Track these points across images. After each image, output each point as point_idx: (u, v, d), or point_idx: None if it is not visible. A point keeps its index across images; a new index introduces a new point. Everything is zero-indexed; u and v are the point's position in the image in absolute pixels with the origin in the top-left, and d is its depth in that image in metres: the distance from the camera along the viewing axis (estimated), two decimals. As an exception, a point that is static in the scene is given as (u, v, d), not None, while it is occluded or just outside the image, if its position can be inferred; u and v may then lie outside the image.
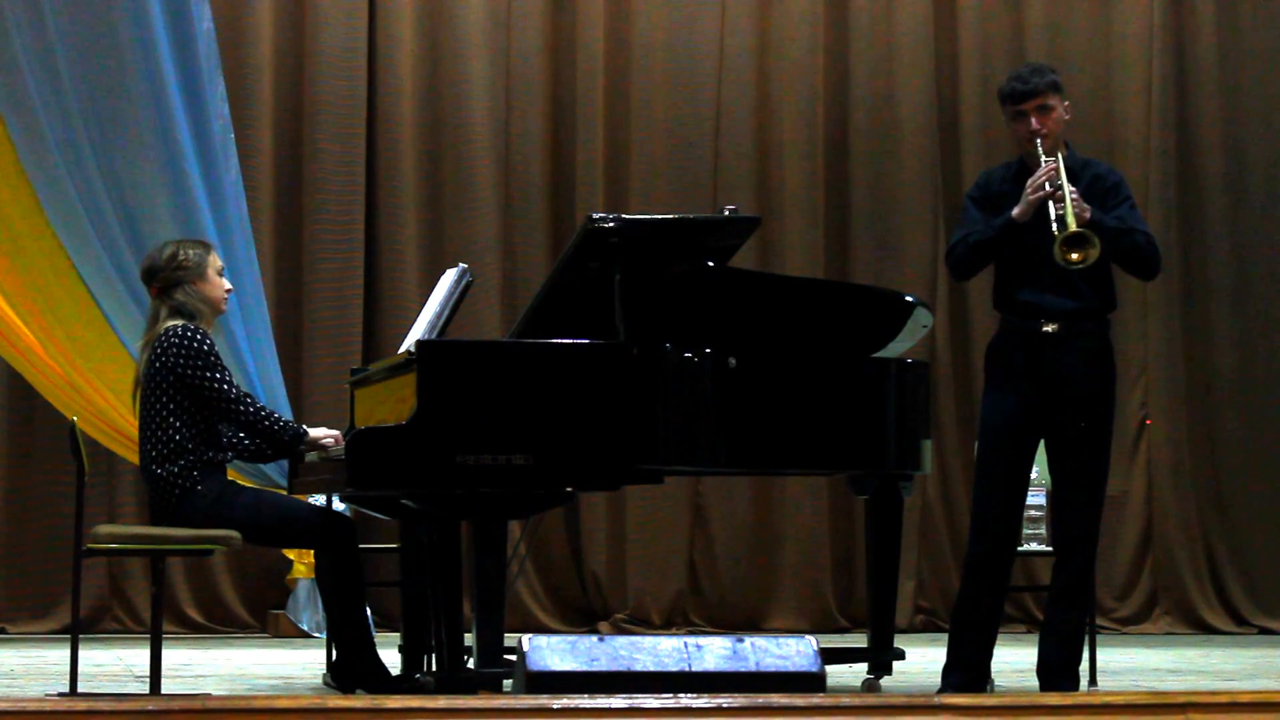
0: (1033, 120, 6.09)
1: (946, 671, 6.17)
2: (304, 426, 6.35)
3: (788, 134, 10.46)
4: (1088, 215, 5.95)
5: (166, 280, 6.38)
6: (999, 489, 6.12)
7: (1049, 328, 6.08)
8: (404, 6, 10.18)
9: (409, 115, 10.17)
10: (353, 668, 6.28)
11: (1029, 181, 6.05)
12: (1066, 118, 6.19)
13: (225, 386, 6.25)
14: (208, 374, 6.23)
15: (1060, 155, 6.06)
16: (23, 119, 8.58)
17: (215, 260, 6.47)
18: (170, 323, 6.32)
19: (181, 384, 6.24)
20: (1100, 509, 6.21)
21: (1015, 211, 6.04)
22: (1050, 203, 5.97)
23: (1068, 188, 5.96)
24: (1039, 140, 6.06)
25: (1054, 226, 5.93)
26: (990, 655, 6.20)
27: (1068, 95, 6.28)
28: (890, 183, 10.54)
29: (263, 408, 6.34)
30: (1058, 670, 6.08)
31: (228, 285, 6.52)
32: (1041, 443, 6.22)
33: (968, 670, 6.11)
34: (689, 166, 10.43)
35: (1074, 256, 5.90)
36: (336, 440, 6.32)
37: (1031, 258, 6.07)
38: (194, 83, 8.78)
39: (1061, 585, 6.15)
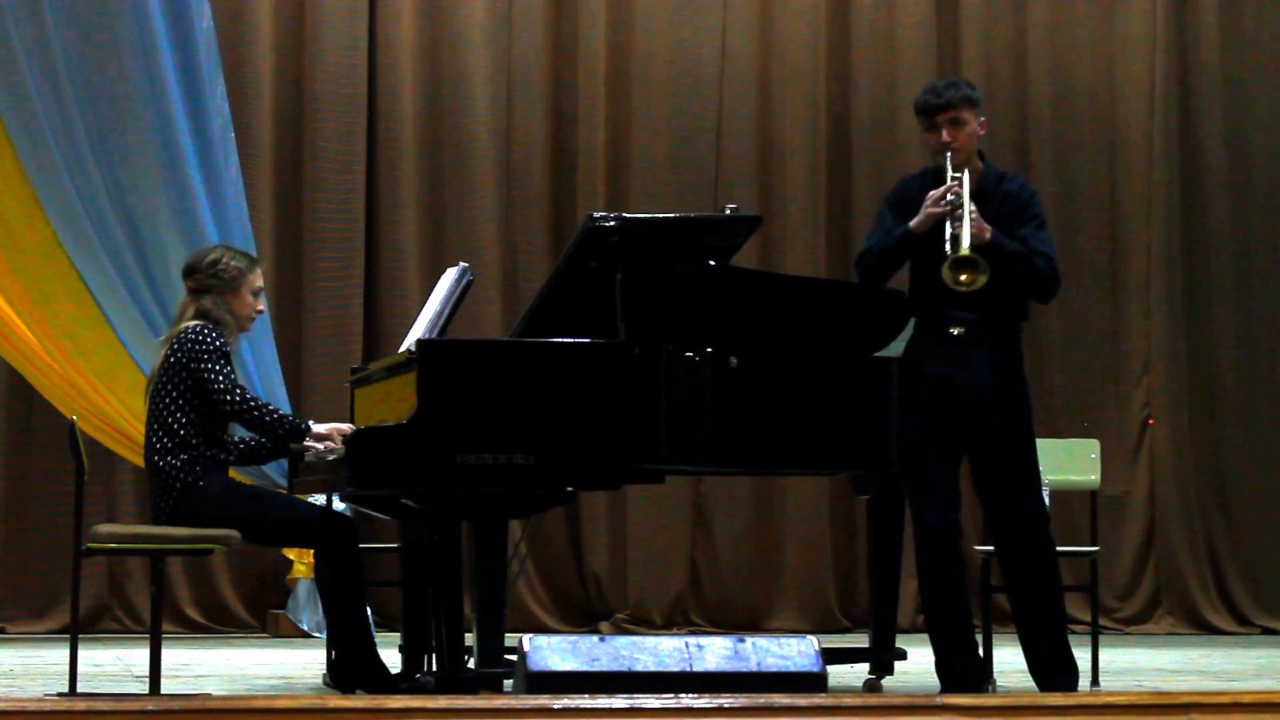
0: (944, 133, 5.98)
1: (938, 670, 6.08)
2: (309, 421, 6.30)
3: (789, 133, 10.45)
4: (987, 236, 5.85)
5: (200, 283, 6.38)
6: (932, 496, 5.97)
7: (955, 330, 5.98)
8: (404, 6, 10.17)
9: (409, 115, 10.16)
10: (353, 668, 6.27)
11: (929, 195, 5.95)
12: (981, 133, 6.07)
13: (220, 376, 6.19)
14: (209, 364, 6.19)
15: (967, 172, 5.93)
16: (23, 119, 8.57)
17: (255, 279, 6.44)
18: (192, 322, 6.31)
19: (191, 378, 6.22)
20: (1042, 511, 6.03)
21: (913, 223, 5.96)
22: (949, 220, 5.87)
23: (968, 206, 5.85)
24: (949, 154, 5.96)
25: (947, 246, 5.83)
26: (977, 647, 6.11)
27: (984, 111, 6.14)
28: (891, 182, 10.48)
29: (256, 399, 6.29)
30: (1055, 665, 5.98)
31: (261, 306, 6.49)
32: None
33: (959, 677, 6.01)
34: (690, 165, 10.42)
35: (963, 278, 5.80)
36: (338, 438, 6.24)
37: (937, 271, 5.91)
38: (194, 83, 8.78)
39: (1024, 598, 6.01)
